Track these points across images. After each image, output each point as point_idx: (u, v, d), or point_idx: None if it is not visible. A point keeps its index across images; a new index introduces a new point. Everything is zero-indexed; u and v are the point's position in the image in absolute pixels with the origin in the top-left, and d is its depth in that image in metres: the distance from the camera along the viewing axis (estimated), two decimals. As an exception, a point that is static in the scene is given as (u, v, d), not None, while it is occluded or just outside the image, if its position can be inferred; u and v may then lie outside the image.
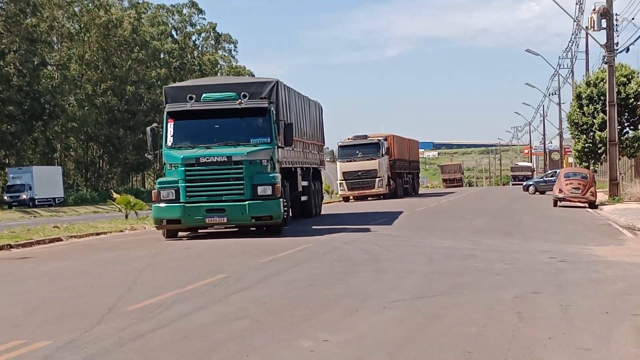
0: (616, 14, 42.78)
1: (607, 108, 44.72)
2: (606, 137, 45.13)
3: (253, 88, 26.25)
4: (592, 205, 39.87)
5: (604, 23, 42.62)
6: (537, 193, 59.58)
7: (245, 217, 23.06)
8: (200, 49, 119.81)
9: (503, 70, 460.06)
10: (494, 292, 12.63)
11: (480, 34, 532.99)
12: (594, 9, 42.78)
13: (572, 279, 13.98)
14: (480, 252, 18.31)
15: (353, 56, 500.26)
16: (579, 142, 55.78)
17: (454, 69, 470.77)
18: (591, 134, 54.24)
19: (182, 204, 22.96)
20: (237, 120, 24.51)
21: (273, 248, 19.66)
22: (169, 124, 24.38)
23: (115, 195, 41.01)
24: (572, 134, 58.79)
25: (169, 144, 24.11)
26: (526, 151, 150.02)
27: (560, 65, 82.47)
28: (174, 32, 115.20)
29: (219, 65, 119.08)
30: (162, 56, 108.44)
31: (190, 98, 24.49)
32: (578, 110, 54.98)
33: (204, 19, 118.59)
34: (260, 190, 23.10)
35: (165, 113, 24.61)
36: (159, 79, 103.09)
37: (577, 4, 62.07)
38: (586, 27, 49.28)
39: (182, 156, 23.23)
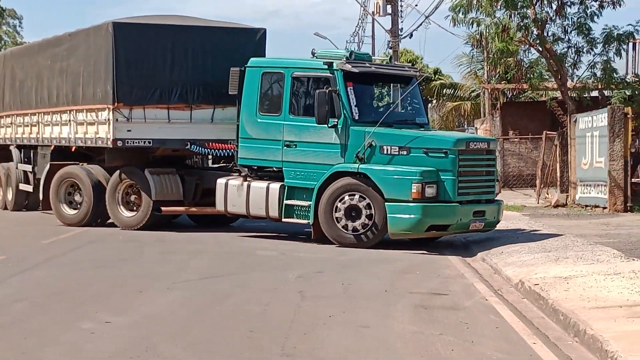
0: (401, 0, 44.03)
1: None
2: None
3: (237, 37, 19.72)
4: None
5: (389, 9, 43.71)
6: None
7: (494, 222, 16.94)
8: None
9: (294, 52, 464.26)
10: (281, 272, 12.84)
11: (271, 16, 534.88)
12: (380, -5, 43.83)
13: (354, 258, 14.33)
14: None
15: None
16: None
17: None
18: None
19: (456, 205, 15.89)
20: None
21: (57, 230, 19.04)
22: (349, 89, 16.74)
23: None
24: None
25: (356, 117, 16.56)
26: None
27: (347, 49, 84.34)
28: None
29: (2, 41, 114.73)
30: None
31: (351, 55, 17.37)
32: (364, 93, 56.36)
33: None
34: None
35: (339, 72, 16.57)
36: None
37: (364, -12, 63.52)
38: (372, 12, 50.46)
39: (455, 138, 16.59)
